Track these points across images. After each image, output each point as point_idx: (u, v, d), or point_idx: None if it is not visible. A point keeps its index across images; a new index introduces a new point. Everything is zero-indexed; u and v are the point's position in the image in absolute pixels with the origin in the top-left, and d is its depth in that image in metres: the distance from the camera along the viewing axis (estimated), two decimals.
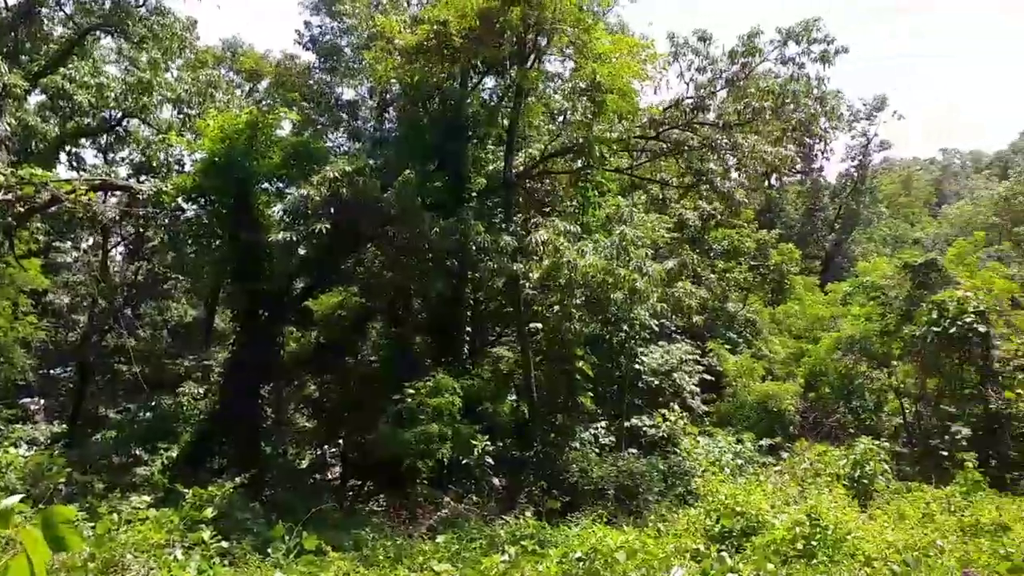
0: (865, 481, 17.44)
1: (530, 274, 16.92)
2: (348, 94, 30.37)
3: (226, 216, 19.05)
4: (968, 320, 21.63)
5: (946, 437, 21.74)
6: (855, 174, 50.07)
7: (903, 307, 24.04)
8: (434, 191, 19.86)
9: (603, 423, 22.71)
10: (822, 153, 45.37)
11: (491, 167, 21.37)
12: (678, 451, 20.14)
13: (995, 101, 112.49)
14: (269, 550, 8.97)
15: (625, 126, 20.01)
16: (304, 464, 25.32)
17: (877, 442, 18.62)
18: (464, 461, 18.03)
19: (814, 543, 10.55)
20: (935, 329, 22.04)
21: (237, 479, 11.72)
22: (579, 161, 20.95)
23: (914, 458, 22.42)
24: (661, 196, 23.31)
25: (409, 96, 20.80)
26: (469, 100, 20.41)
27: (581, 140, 19.08)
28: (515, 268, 17.05)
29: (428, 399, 17.75)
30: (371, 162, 20.73)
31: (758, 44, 20.41)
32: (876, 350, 24.28)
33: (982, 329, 21.68)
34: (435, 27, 18.03)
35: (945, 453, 20.97)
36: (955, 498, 15.47)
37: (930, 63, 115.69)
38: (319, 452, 26.16)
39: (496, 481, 19.76)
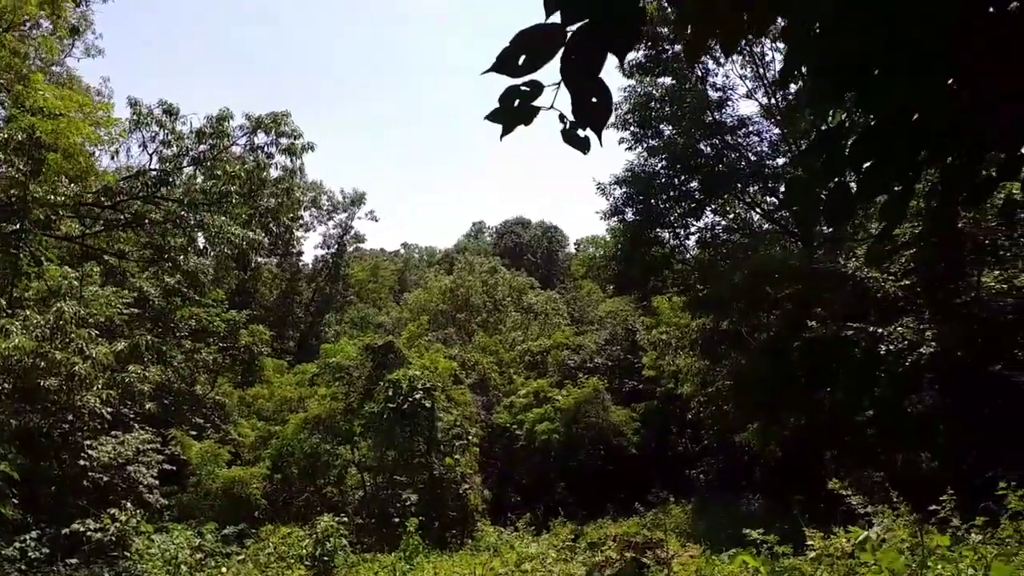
0: (326, 558, 17.93)
1: None
2: None
3: None
4: (417, 396, 24.30)
5: (398, 504, 23.78)
6: (331, 261, 53.52)
7: (365, 386, 25.88)
8: None
9: (34, 533, 19.15)
10: (296, 240, 47.55)
11: None
12: (129, 554, 18.10)
13: (447, 205, 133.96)
14: None
15: (76, 190, 17.79)
16: None
17: (339, 517, 19.41)
18: None
19: None
20: (391, 405, 24.19)
21: None
22: (14, 223, 17.84)
23: (372, 528, 23.91)
24: (121, 269, 21.21)
25: None
26: None
27: (15, 200, 16.29)
28: None
29: None
30: None
31: (227, 128, 20.31)
32: (340, 427, 25.54)
33: (428, 404, 24.57)
34: None
35: (397, 520, 22.86)
36: (400, 563, 16.87)
37: (401, 168, 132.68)
38: None
39: None
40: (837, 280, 21.74)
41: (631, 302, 34.84)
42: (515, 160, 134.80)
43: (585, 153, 3.04)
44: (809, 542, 8.25)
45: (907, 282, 20.26)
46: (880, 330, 19.47)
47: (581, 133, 2.94)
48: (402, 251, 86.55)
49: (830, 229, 26.07)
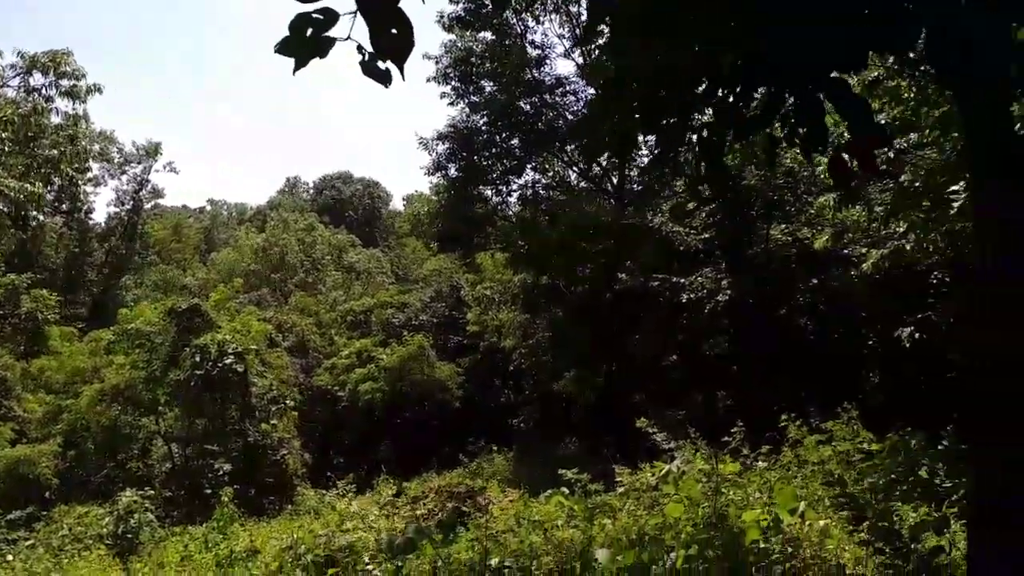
0: (130, 535, 16.77)
1: None
2: None
3: None
4: (228, 361, 23.04)
5: (210, 475, 22.61)
6: (127, 218, 49.11)
7: (169, 352, 24.15)
8: None
9: None
10: (84, 195, 43.13)
11: None
12: None
13: (257, 162, 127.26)
14: None
15: None
16: None
17: (143, 492, 18.14)
18: None
19: None
20: (198, 372, 22.78)
21: None
22: None
23: (183, 501, 22.61)
24: None
25: None
26: None
27: None
28: None
29: None
30: None
31: None
32: (142, 397, 23.79)
33: (240, 369, 23.39)
34: None
35: (210, 491, 21.74)
36: (212, 534, 16.03)
37: (204, 120, 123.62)
38: None
39: None
40: (645, 235, 22.97)
41: (456, 259, 35.01)
42: (339, 115, 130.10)
43: (386, 86, 2.90)
44: (618, 478, 8.69)
45: (706, 236, 21.81)
46: (682, 280, 20.87)
47: (382, 65, 2.82)
48: (208, 208, 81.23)
49: (640, 187, 27.50)
